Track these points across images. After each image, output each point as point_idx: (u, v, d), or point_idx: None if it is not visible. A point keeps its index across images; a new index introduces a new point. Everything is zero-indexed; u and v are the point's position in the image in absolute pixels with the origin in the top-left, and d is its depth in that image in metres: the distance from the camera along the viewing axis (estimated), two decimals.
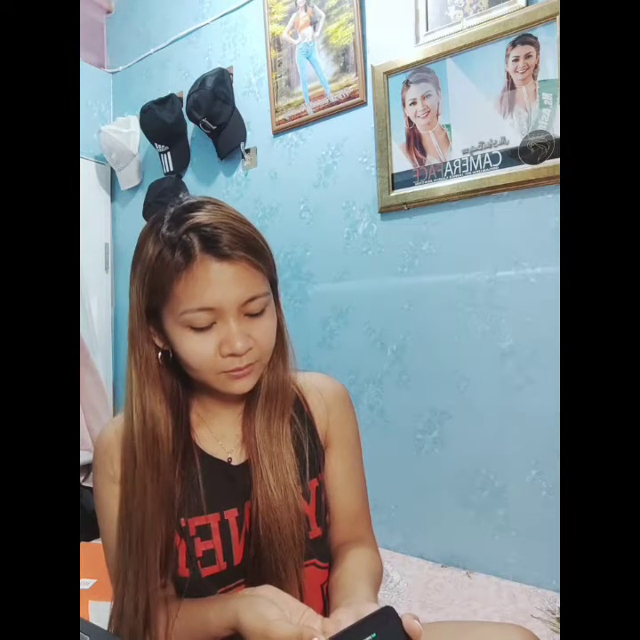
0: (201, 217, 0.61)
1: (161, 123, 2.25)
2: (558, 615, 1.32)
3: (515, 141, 1.51)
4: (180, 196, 0.67)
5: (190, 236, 0.60)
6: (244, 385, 0.65)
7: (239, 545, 0.68)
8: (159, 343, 0.67)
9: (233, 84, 2.15)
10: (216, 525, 0.68)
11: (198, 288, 0.60)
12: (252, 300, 0.62)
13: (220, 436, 0.72)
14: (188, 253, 0.60)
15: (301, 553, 0.67)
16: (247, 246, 0.62)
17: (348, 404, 0.78)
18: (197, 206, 0.63)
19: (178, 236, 0.60)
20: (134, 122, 2.45)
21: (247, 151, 2.12)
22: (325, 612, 0.72)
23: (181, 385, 0.70)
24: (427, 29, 1.66)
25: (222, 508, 0.68)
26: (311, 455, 0.71)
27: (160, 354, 0.67)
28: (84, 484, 2.03)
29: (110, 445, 0.70)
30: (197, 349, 0.62)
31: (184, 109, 2.19)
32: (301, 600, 0.67)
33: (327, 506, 0.74)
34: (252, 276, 0.62)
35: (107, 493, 0.69)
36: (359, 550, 0.72)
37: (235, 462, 0.71)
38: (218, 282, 0.60)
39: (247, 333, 0.63)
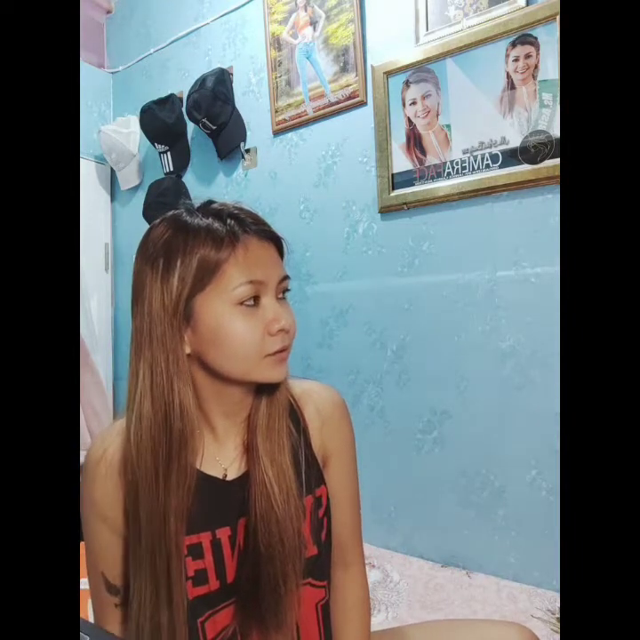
0: (227, 207, 0.66)
1: (161, 123, 2.25)
2: (558, 615, 1.32)
3: (515, 141, 1.51)
4: (182, 201, 0.69)
5: (229, 219, 0.64)
6: (283, 370, 0.65)
7: (232, 562, 0.66)
8: (187, 348, 0.64)
9: (233, 84, 2.15)
10: (208, 544, 0.65)
11: (247, 262, 0.62)
12: (285, 279, 0.66)
13: (216, 449, 0.69)
14: (235, 233, 0.63)
15: (302, 567, 0.65)
16: (273, 233, 0.67)
17: (345, 416, 0.76)
18: (212, 202, 0.68)
19: (220, 221, 0.63)
20: (134, 122, 2.45)
21: (247, 151, 2.12)
22: (320, 630, 0.71)
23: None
24: (427, 29, 1.66)
25: (214, 527, 0.66)
26: (307, 469, 0.69)
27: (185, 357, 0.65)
28: None
29: (103, 476, 0.65)
30: (246, 329, 0.62)
31: (184, 109, 2.19)
32: (298, 618, 0.66)
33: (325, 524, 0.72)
34: (278, 257, 0.67)
35: (101, 538, 0.66)
36: (347, 588, 0.75)
37: (230, 477, 0.68)
38: (263, 257, 0.64)
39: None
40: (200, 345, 0.63)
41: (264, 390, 0.69)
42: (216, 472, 0.68)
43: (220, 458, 0.69)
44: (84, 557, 0.68)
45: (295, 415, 0.72)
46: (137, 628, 0.63)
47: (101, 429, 0.72)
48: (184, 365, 0.63)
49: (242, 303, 0.62)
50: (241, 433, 0.70)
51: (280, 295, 0.66)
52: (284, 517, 0.64)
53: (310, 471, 0.70)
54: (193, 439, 0.64)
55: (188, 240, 0.62)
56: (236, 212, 0.65)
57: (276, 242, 0.67)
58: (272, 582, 0.63)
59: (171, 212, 0.67)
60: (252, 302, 0.62)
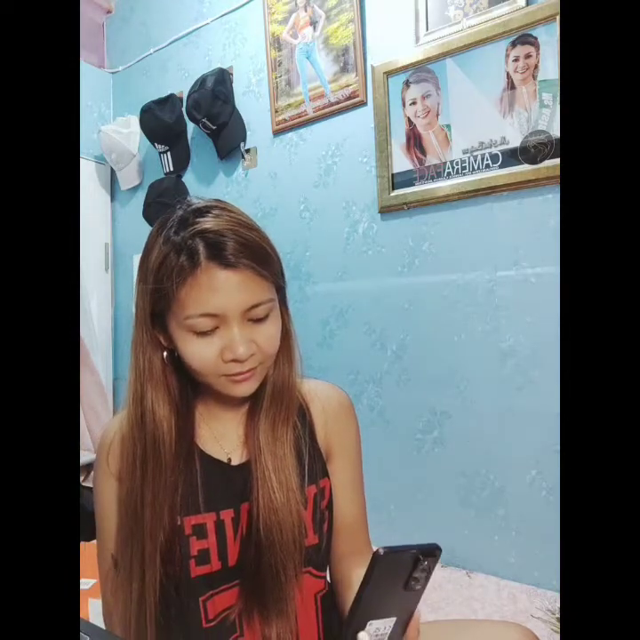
0: (208, 222, 0.62)
1: (161, 123, 2.25)
2: (558, 615, 1.32)
3: (515, 141, 1.51)
4: (188, 198, 0.67)
5: (196, 241, 0.60)
6: (245, 388, 0.66)
7: (234, 546, 0.68)
8: (165, 342, 0.67)
9: (233, 84, 2.15)
10: (212, 525, 0.67)
11: (202, 295, 0.60)
12: (256, 306, 0.63)
13: (220, 435, 0.72)
14: (193, 259, 0.60)
15: (301, 557, 0.67)
16: (253, 254, 0.62)
17: (351, 415, 0.78)
18: (205, 211, 0.63)
19: (183, 241, 0.61)
20: (134, 122, 2.45)
21: (247, 151, 2.12)
22: (318, 620, 0.72)
23: (186, 384, 0.71)
24: (427, 29, 1.66)
25: (219, 508, 0.68)
26: (310, 461, 0.71)
27: (166, 353, 0.68)
28: (84, 483, 2.03)
29: (113, 443, 0.71)
30: (199, 353, 0.63)
31: (184, 109, 2.19)
32: (296, 607, 0.67)
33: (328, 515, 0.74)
34: (256, 283, 0.62)
35: (106, 489, 0.71)
36: (361, 566, 0.75)
37: (234, 462, 0.71)
38: (222, 289, 0.60)
39: (250, 338, 0.63)
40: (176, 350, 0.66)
41: (266, 385, 0.70)
42: (221, 456, 0.71)
43: (224, 444, 0.72)
44: (84, 558, 0.69)
45: (302, 410, 0.74)
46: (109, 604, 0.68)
47: (114, 416, 0.77)
48: (157, 371, 0.67)
49: (194, 332, 0.62)
50: (243, 423, 0.73)
51: (256, 318, 0.63)
52: (283, 510, 0.66)
53: (314, 463, 0.72)
54: (165, 444, 0.66)
55: (154, 256, 0.63)
56: (211, 235, 0.60)
57: (254, 267, 0.62)
58: (273, 569, 0.65)
59: (167, 214, 0.66)
60: (205, 334, 0.62)
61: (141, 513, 0.65)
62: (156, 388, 0.67)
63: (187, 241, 0.61)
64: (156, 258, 0.63)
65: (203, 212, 0.63)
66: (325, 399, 0.76)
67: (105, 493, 0.71)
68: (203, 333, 0.62)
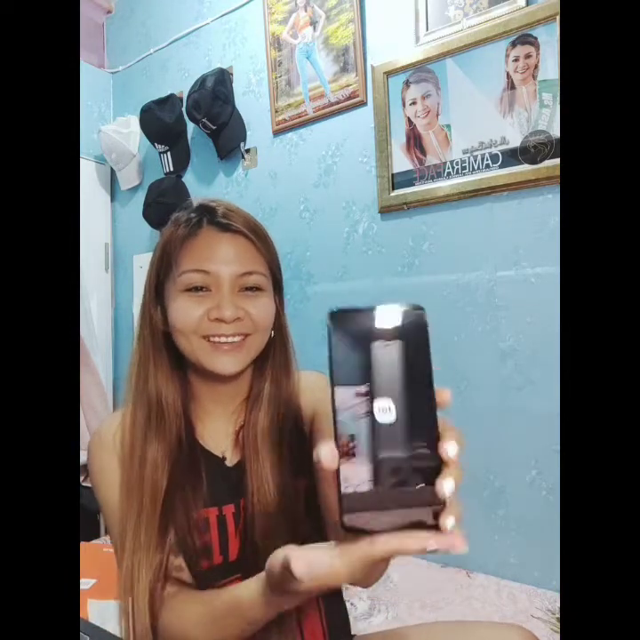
0: (209, 200, 0.70)
1: (161, 123, 2.25)
2: (558, 615, 1.32)
3: (515, 141, 1.51)
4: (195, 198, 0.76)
5: (197, 212, 0.68)
6: (229, 361, 0.65)
7: (235, 540, 0.68)
8: (161, 324, 0.69)
9: (233, 84, 2.15)
10: (214, 519, 0.68)
11: (197, 252, 0.65)
12: (248, 274, 0.66)
13: (213, 432, 0.73)
14: (194, 225, 0.66)
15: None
16: (246, 223, 0.67)
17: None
18: (208, 199, 0.72)
19: (188, 215, 0.68)
20: (134, 122, 2.45)
21: (247, 151, 2.12)
22: (321, 615, 0.72)
23: (183, 380, 0.71)
24: (427, 29, 1.66)
25: (220, 503, 0.68)
26: (303, 454, 0.70)
27: (162, 333, 0.69)
28: (84, 483, 2.03)
29: (117, 428, 0.69)
30: (187, 310, 0.65)
31: (184, 109, 2.19)
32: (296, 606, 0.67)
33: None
34: (250, 253, 0.67)
35: (110, 468, 0.68)
36: None
37: (228, 461, 0.71)
38: (217, 249, 0.65)
39: (240, 306, 0.65)
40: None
41: (263, 394, 0.71)
42: (217, 453, 0.72)
43: (218, 441, 0.72)
44: (84, 558, 0.69)
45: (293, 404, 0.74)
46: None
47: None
48: (160, 346, 0.68)
49: (188, 290, 0.65)
50: (233, 422, 0.73)
51: (245, 289, 0.66)
52: (281, 506, 0.66)
53: (306, 455, 0.71)
54: (171, 425, 0.67)
55: (163, 234, 0.69)
56: (206, 205, 0.68)
57: (248, 235, 0.67)
58: None
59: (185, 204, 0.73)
60: (197, 291, 0.65)
61: (141, 501, 0.64)
62: (161, 365, 0.69)
63: (190, 214, 0.68)
64: (165, 233, 0.68)
65: (206, 199, 0.72)
66: (314, 388, 0.75)
67: (108, 472, 0.68)
68: (194, 293, 0.65)
